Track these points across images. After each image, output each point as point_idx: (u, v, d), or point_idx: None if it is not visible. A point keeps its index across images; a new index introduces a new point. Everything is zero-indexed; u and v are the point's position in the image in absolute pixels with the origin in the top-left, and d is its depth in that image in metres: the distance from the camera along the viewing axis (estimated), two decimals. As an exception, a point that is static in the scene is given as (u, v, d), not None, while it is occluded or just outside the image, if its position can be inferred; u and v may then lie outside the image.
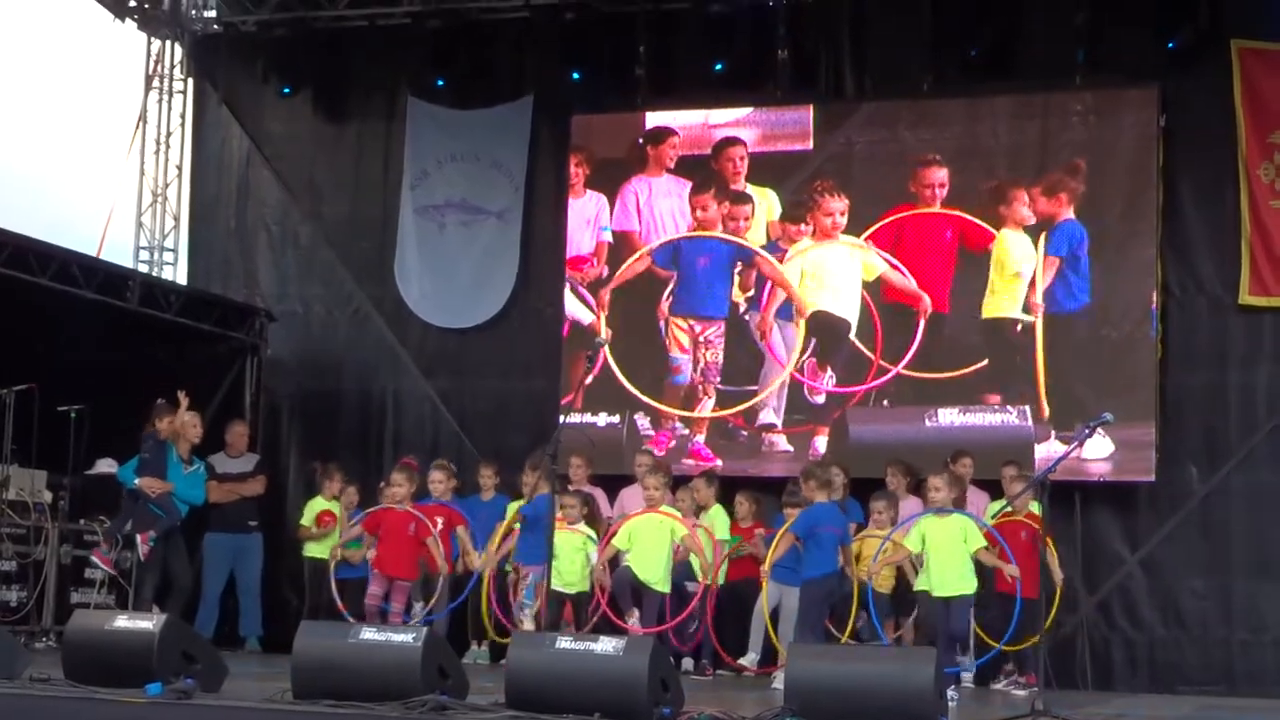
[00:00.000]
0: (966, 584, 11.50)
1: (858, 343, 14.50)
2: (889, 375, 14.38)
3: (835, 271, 14.71)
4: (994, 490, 13.01)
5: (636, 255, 15.25)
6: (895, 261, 14.47)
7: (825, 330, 14.66)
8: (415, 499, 13.28)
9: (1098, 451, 13.59)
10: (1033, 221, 14.17)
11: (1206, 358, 13.95)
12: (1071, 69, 14.19)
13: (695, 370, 14.94)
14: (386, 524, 13.14)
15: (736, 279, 14.92)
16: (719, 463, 14.57)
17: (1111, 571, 13.94)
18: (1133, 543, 13.94)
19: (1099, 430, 12.36)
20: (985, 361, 14.16)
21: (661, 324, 15.04)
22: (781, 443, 14.68)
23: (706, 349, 14.93)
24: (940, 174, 14.48)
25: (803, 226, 14.81)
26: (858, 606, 12.11)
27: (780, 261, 14.79)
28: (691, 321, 15.04)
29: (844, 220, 14.68)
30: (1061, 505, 13.15)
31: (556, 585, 12.03)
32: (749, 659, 12.82)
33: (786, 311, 14.77)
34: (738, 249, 14.99)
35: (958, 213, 14.41)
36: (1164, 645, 13.79)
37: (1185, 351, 13.97)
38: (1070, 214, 14.07)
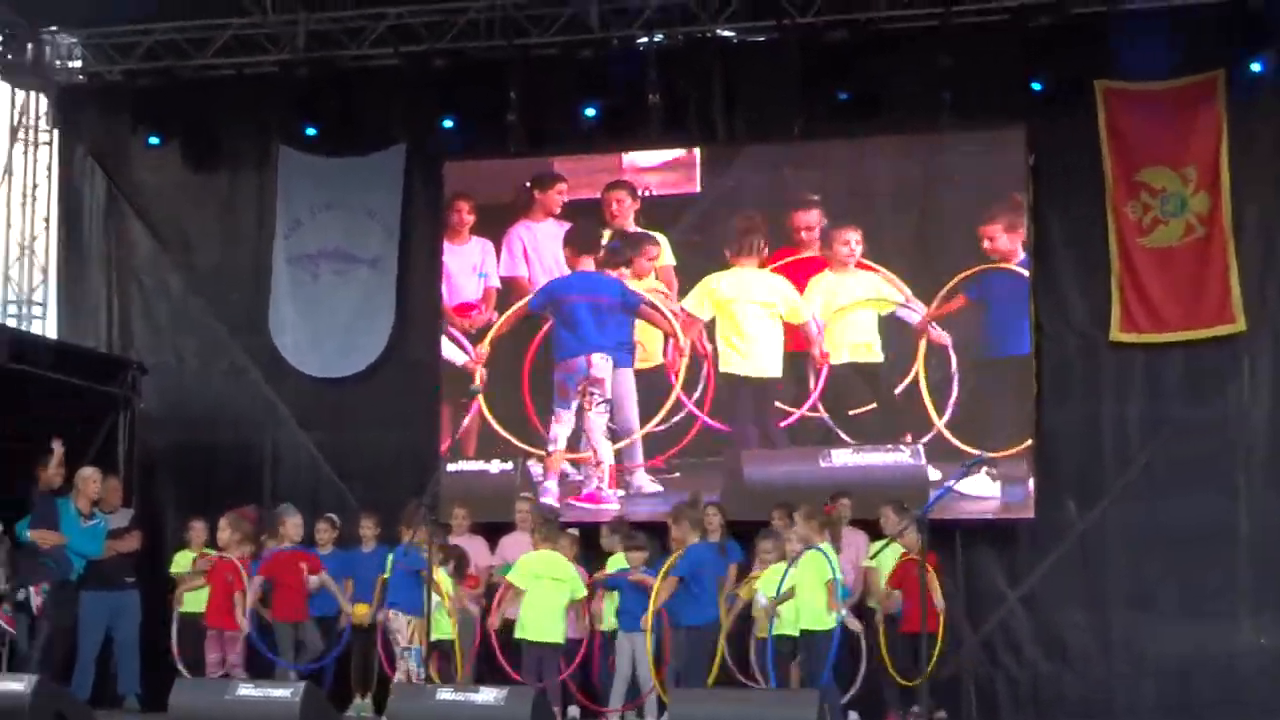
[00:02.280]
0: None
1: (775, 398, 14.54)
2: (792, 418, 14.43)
3: (752, 311, 14.63)
4: (876, 530, 12.91)
5: (517, 305, 15.17)
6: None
7: (738, 394, 14.62)
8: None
9: (983, 490, 13.68)
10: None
11: (1080, 394, 14.11)
12: (939, 110, 14.28)
13: (579, 415, 14.85)
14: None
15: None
16: (617, 507, 14.51)
17: (994, 608, 14.04)
18: (1013, 579, 14.06)
19: (982, 468, 12.51)
20: (874, 404, 14.22)
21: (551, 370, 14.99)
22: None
23: (590, 393, 14.85)
24: (812, 216, 14.57)
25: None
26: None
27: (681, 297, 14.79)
28: (574, 364, 14.95)
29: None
30: (943, 544, 13.22)
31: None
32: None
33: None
34: (624, 292, 14.92)
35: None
36: (1047, 679, 13.90)
37: (1059, 388, 14.11)
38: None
